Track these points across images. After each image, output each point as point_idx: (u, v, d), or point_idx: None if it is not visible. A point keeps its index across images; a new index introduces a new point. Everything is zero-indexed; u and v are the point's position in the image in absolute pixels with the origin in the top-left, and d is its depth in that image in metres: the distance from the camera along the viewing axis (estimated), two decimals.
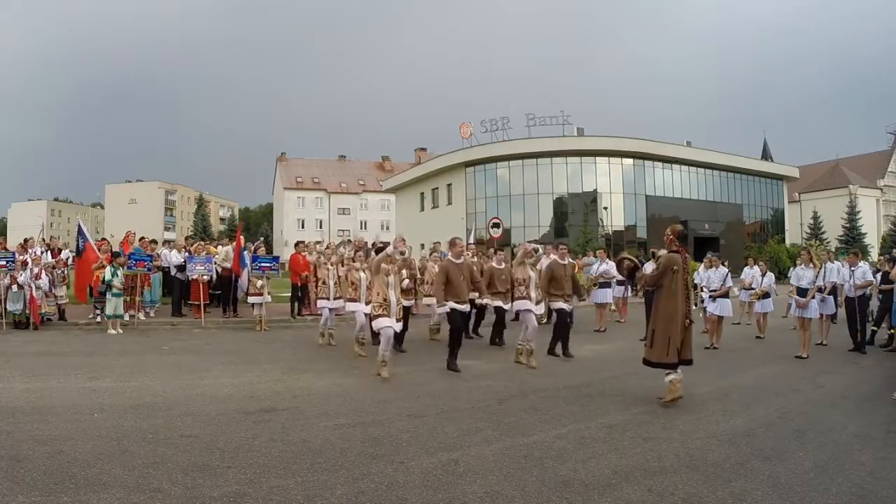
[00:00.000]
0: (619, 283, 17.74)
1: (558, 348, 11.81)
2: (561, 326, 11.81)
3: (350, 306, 11.99)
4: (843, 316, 13.95)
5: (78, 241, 16.40)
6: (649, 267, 15.11)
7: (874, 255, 50.47)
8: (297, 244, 18.41)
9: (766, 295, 15.29)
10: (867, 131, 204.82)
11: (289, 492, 4.95)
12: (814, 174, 77.90)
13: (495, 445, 6.28)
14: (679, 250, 8.15)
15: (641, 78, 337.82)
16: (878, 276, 13.99)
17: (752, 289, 15.90)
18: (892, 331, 13.18)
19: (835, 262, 14.40)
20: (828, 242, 57.77)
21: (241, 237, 17.35)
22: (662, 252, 8.64)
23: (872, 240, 66.79)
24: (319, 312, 13.60)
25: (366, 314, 11.04)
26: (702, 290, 14.76)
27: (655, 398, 8.07)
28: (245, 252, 16.89)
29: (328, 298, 13.04)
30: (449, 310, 10.57)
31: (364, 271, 11.50)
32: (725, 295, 13.93)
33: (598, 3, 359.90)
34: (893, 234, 63.77)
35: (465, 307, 11.10)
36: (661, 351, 7.98)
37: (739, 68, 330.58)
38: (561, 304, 11.67)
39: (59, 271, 15.49)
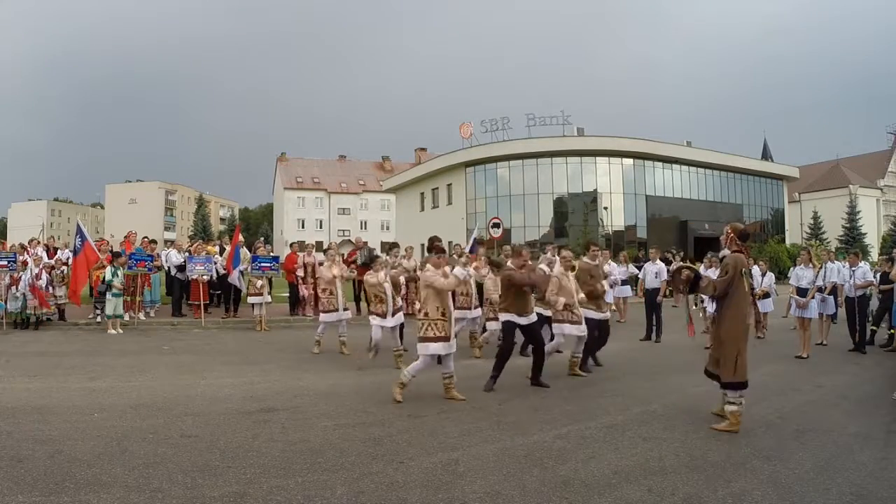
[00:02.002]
0: (624, 282, 17.75)
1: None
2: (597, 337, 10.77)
3: (375, 321, 10.58)
4: (843, 316, 13.96)
5: (76, 241, 16.43)
6: (648, 268, 15.15)
7: (874, 255, 50.46)
8: (292, 244, 18.40)
9: (766, 295, 15.29)
10: (867, 131, 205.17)
11: (289, 492, 4.95)
12: (814, 174, 77.85)
13: (495, 445, 6.29)
14: (741, 250, 7.41)
15: (642, 78, 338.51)
16: (878, 276, 14.00)
17: (753, 289, 15.88)
18: (892, 331, 13.18)
19: (835, 262, 14.40)
20: (828, 242, 57.77)
21: (240, 237, 17.39)
22: (725, 253, 7.72)
23: (872, 240, 66.77)
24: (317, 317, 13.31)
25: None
26: None
27: (708, 427, 6.95)
28: (240, 251, 16.86)
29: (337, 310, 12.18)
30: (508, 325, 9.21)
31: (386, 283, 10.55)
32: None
33: (600, 3, 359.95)
34: (893, 234, 63.71)
35: (527, 319, 9.27)
36: (729, 368, 6.98)
37: (740, 68, 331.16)
38: (592, 314, 10.53)
39: (59, 271, 15.50)
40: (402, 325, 11.13)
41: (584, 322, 10.02)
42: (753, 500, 4.93)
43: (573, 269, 10.35)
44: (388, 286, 10.50)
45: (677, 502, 4.90)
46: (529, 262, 9.48)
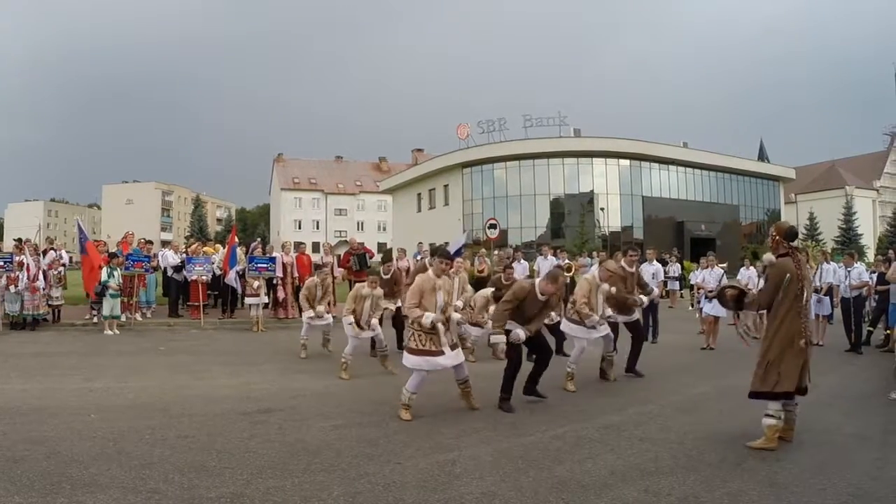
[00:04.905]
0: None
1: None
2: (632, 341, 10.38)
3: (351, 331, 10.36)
4: (839, 316, 13.99)
5: (80, 239, 16.42)
6: (645, 269, 15.15)
7: (870, 255, 50.57)
8: (283, 245, 18.39)
9: None
10: (863, 132, 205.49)
11: (285, 492, 4.95)
12: (810, 175, 77.98)
13: (492, 446, 6.29)
14: (789, 252, 6.54)
15: (639, 79, 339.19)
16: (874, 276, 14.03)
17: (750, 290, 15.88)
18: (888, 331, 13.20)
19: (831, 262, 14.43)
20: (824, 243, 57.84)
21: (236, 237, 17.39)
22: (767, 257, 7.03)
23: (869, 241, 66.89)
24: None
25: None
26: (698, 291, 14.80)
27: (743, 444, 6.36)
28: (236, 251, 16.84)
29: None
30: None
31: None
32: None
33: (597, 4, 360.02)
34: (890, 235, 63.84)
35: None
36: (771, 378, 6.30)
37: (737, 70, 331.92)
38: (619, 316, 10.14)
39: (55, 272, 15.47)
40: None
41: (606, 324, 9.61)
42: (750, 500, 4.94)
43: (569, 269, 10.15)
44: (368, 304, 10.26)
45: (673, 502, 4.91)
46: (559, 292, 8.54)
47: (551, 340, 9.70)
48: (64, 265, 16.61)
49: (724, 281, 14.00)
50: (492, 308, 10.25)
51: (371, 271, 11.07)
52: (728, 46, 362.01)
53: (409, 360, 7.57)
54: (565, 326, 9.92)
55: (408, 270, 14.91)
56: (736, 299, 6.97)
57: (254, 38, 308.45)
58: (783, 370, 6.25)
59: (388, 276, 11.78)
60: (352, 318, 10.20)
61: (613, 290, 9.68)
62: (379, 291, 10.37)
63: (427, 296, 7.55)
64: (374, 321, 10.25)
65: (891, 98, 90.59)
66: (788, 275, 6.34)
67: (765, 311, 6.77)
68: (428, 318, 7.34)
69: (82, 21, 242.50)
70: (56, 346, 12.53)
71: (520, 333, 7.75)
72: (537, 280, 8.17)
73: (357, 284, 10.79)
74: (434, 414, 7.50)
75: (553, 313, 9.48)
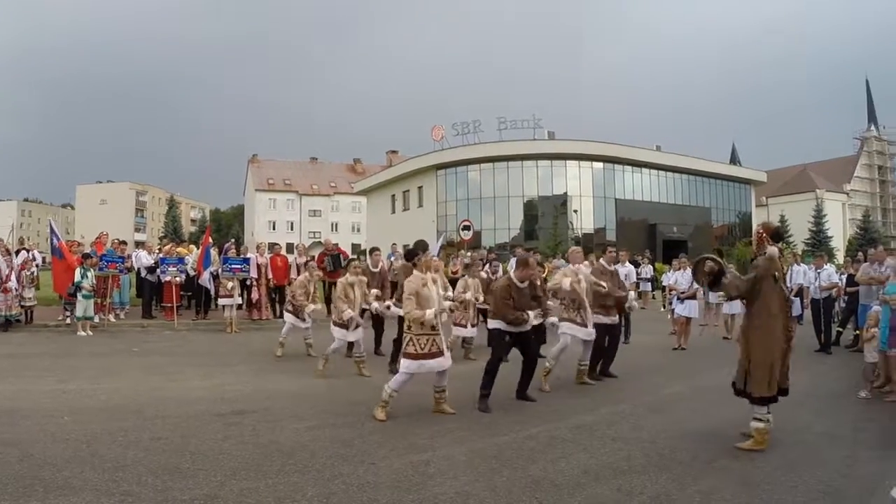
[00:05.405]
0: None
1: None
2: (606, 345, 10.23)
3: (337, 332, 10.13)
4: (809, 317, 14.17)
5: (51, 240, 16.23)
6: (618, 271, 15.25)
7: (840, 257, 51.25)
8: (257, 246, 18.27)
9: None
10: (834, 137, 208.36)
11: (260, 494, 4.92)
12: (781, 178, 79.02)
13: (465, 446, 6.29)
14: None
15: (613, 83, 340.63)
16: (844, 278, 14.23)
17: (731, 269, 16.04)
18: (857, 332, 13.39)
19: (801, 264, 14.62)
20: (794, 245, 58.51)
21: (210, 238, 17.29)
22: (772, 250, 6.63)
23: (839, 243, 67.86)
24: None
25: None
26: (670, 292, 14.94)
27: (733, 446, 6.33)
28: (210, 252, 16.75)
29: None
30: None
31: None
32: (693, 297, 14.10)
33: (572, 10, 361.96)
34: (859, 238, 64.72)
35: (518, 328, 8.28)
36: (761, 382, 6.28)
37: (710, 75, 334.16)
38: (599, 318, 9.85)
39: (28, 272, 15.27)
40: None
41: (591, 325, 9.39)
42: (722, 498, 4.98)
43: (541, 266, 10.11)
44: (358, 291, 10.03)
45: (646, 501, 4.94)
46: (535, 279, 8.60)
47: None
48: (37, 266, 16.39)
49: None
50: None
51: (355, 263, 10.91)
52: (702, 53, 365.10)
53: (408, 365, 7.40)
54: (565, 327, 9.59)
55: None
56: (714, 275, 6.75)
57: (231, 39, 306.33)
58: (774, 372, 6.32)
59: (377, 270, 11.70)
60: (344, 315, 9.95)
61: (605, 286, 9.72)
62: (363, 277, 10.28)
63: (422, 295, 7.46)
64: (360, 323, 10.23)
65: (862, 104, 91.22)
66: (777, 272, 6.40)
67: (736, 313, 6.84)
68: (430, 314, 7.27)
69: (56, 20, 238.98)
70: (29, 348, 12.36)
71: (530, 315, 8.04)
72: (511, 273, 8.31)
73: (339, 280, 10.62)
74: (408, 414, 7.47)
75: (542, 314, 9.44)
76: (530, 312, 8.05)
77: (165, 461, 5.65)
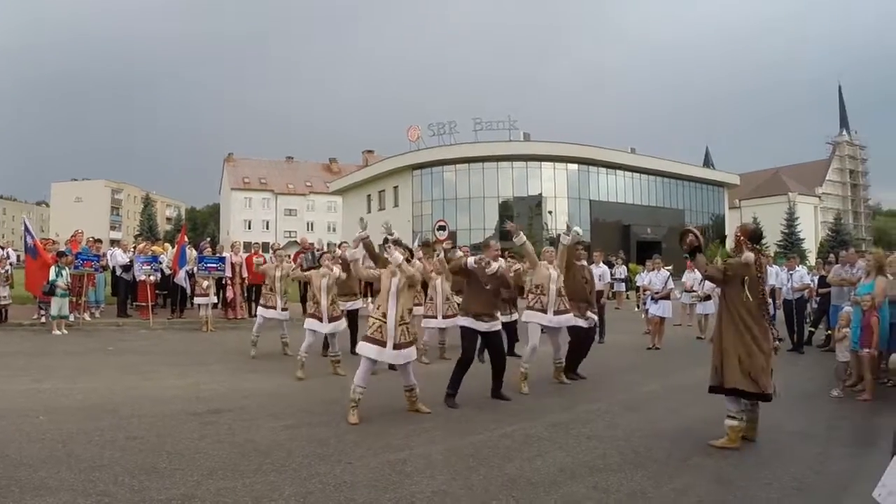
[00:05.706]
0: None
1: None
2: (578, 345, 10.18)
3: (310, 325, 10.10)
4: (782, 318, 14.31)
5: (25, 238, 16.04)
6: (592, 271, 15.33)
7: (812, 259, 51.84)
8: (233, 245, 18.14)
9: (707, 297, 15.57)
10: (806, 141, 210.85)
11: (237, 493, 4.88)
12: (754, 181, 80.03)
13: (442, 445, 6.28)
14: (754, 253, 6.48)
15: (589, 85, 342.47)
16: (815, 279, 14.40)
17: (694, 291, 16.20)
18: (829, 332, 13.55)
19: (773, 266, 14.76)
20: (767, 247, 59.10)
21: (185, 237, 17.17)
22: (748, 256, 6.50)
23: (811, 245, 68.79)
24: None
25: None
26: (644, 293, 15.06)
27: (707, 443, 6.34)
28: (186, 251, 16.64)
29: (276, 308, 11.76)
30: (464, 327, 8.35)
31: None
32: (667, 297, 14.22)
33: (549, 12, 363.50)
34: (830, 240, 65.53)
35: (488, 326, 8.29)
36: (734, 370, 6.21)
37: (686, 78, 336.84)
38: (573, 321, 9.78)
39: (2, 270, 15.05)
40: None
41: (552, 313, 9.29)
42: (697, 495, 5.01)
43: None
44: (325, 281, 10.01)
45: (622, 498, 4.96)
46: (500, 261, 8.61)
47: (504, 341, 9.69)
48: (11, 264, 16.16)
49: (670, 283, 14.30)
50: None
51: (327, 255, 10.84)
52: (678, 56, 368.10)
53: (360, 347, 7.53)
54: (525, 316, 9.61)
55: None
56: (693, 247, 6.75)
57: (208, 38, 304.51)
58: (733, 362, 6.24)
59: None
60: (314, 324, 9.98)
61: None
62: (338, 271, 10.18)
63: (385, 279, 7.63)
64: (342, 320, 10.20)
65: (835, 108, 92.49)
66: (749, 275, 6.34)
67: (710, 314, 6.86)
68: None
69: (29, 14, 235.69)
70: (3, 347, 12.15)
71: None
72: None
73: (313, 272, 10.51)
74: (384, 413, 7.45)
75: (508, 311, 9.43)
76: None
77: (142, 461, 5.57)
